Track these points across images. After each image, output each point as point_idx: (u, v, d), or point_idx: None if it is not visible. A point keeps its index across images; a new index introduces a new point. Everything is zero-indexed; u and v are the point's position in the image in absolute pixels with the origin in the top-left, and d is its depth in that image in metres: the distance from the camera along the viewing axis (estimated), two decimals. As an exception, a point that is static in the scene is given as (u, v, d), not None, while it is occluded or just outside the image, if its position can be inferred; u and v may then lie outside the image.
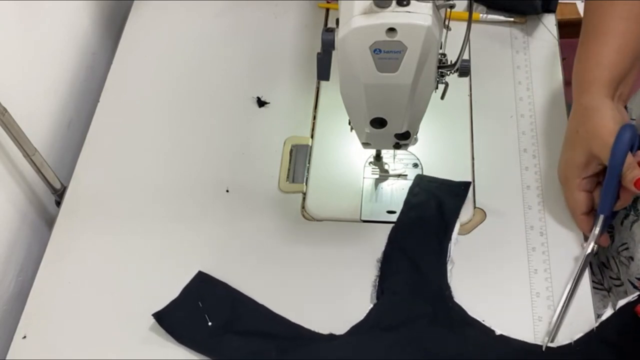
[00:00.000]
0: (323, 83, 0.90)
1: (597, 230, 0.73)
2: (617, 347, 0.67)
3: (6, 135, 0.76)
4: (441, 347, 0.69)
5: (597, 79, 0.73)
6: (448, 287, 0.72)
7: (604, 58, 0.73)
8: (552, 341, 0.69)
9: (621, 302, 0.69)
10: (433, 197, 0.79)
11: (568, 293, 0.71)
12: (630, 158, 0.69)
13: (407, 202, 0.79)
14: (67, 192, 0.83)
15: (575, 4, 1.02)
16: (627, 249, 0.80)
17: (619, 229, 0.81)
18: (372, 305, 0.72)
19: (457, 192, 0.79)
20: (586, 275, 0.73)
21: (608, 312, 0.69)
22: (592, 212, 0.75)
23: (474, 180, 0.81)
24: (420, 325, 0.70)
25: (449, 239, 0.75)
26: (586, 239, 0.75)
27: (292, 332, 0.70)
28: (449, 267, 0.74)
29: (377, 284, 0.73)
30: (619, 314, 0.68)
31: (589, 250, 0.73)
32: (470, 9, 0.59)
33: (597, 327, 0.68)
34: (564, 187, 0.77)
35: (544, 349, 0.68)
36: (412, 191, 0.80)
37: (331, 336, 0.70)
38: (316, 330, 0.71)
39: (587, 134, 0.73)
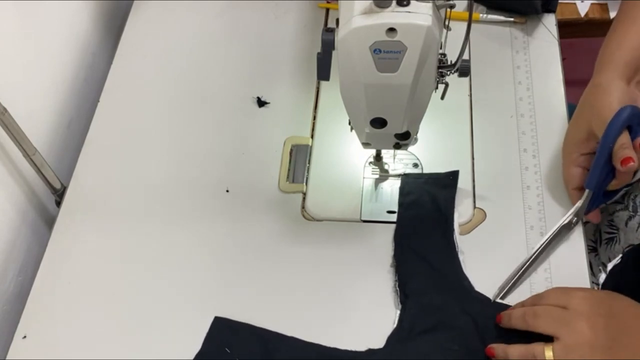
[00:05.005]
0: (323, 83, 0.90)
1: (580, 202, 0.74)
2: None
3: (6, 135, 0.76)
4: (485, 337, 0.68)
5: (615, 59, 0.74)
6: (466, 278, 0.73)
7: (627, 41, 0.74)
8: (502, 298, 0.71)
9: (610, 266, 0.73)
10: (425, 193, 0.79)
11: (532, 255, 0.73)
12: (624, 138, 0.69)
13: (401, 203, 0.79)
14: (67, 192, 0.83)
15: (575, 4, 1.02)
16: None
17: (624, 230, 0.81)
18: (399, 311, 0.71)
19: (446, 183, 0.79)
20: (583, 255, 0.74)
21: (603, 276, 0.73)
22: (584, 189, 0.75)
23: (473, 180, 0.81)
24: (457, 321, 0.70)
25: (452, 230, 0.76)
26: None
27: (329, 356, 0.69)
28: (460, 257, 0.74)
29: (397, 288, 0.73)
30: (610, 275, 0.73)
31: (566, 220, 0.74)
32: (470, 9, 0.59)
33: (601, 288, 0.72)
34: (563, 161, 0.78)
35: (492, 301, 0.71)
36: (402, 191, 0.80)
37: (370, 352, 0.69)
38: (350, 349, 0.69)
39: (590, 111, 0.73)
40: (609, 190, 0.74)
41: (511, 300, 0.71)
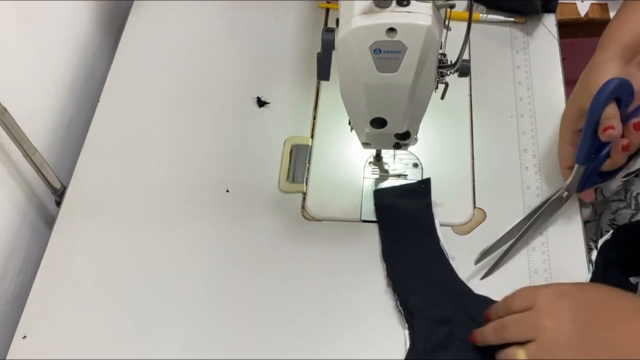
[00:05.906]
0: (323, 83, 0.90)
1: (570, 179, 0.74)
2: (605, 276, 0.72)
3: (6, 135, 0.76)
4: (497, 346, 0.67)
5: (615, 40, 0.73)
6: (462, 282, 0.72)
7: (629, 23, 0.74)
8: (485, 277, 0.73)
9: (600, 242, 0.73)
10: (400, 207, 0.78)
11: (521, 230, 0.74)
12: (610, 109, 0.68)
13: (379, 219, 0.78)
14: (67, 192, 0.83)
15: (575, 4, 1.02)
16: None
17: None
18: (407, 332, 0.70)
19: (419, 191, 0.78)
20: (580, 233, 0.75)
21: (595, 253, 0.73)
22: None
23: (473, 180, 0.81)
24: (466, 331, 0.69)
25: (437, 237, 0.75)
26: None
27: None
28: (452, 264, 0.74)
29: (400, 308, 0.72)
30: (600, 252, 0.73)
31: (555, 196, 0.74)
32: (470, 9, 0.59)
33: (593, 270, 0.72)
34: (558, 141, 0.78)
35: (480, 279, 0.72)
36: (377, 207, 0.78)
37: None
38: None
39: (582, 87, 0.73)
40: (605, 172, 0.73)
41: (502, 277, 0.73)
